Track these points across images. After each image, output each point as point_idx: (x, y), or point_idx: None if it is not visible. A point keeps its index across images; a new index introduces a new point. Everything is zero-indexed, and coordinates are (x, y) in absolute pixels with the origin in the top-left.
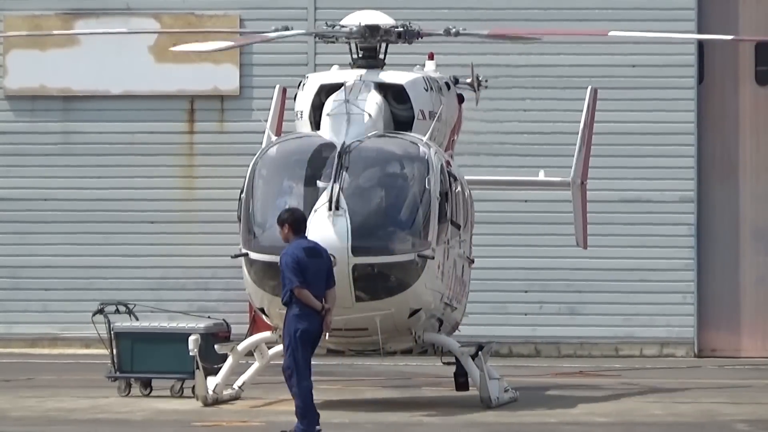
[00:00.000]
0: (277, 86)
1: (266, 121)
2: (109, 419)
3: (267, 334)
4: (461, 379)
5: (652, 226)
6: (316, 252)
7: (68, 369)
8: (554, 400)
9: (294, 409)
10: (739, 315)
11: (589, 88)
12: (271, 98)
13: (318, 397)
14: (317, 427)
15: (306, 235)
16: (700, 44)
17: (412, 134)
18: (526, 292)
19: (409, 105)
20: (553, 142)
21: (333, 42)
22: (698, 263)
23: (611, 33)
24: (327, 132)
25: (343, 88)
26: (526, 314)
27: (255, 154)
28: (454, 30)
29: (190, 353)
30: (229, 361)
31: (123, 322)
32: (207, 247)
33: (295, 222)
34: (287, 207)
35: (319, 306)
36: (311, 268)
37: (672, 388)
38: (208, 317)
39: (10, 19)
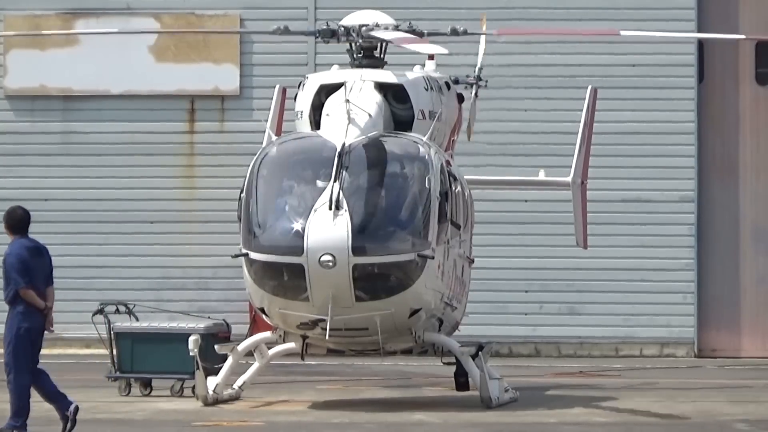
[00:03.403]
0: (277, 86)
1: (266, 121)
2: (109, 419)
3: (267, 334)
4: (461, 379)
5: (652, 226)
6: (39, 252)
7: (68, 369)
8: (554, 400)
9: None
10: (739, 315)
11: (589, 88)
12: (271, 98)
13: (318, 397)
14: (25, 423)
15: (27, 234)
16: (700, 44)
17: (412, 134)
18: (526, 292)
19: (409, 105)
20: (553, 142)
21: (330, 42)
22: (698, 263)
23: (623, 33)
24: (327, 132)
25: (343, 88)
26: (526, 314)
27: (255, 154)
28: (461, 29)
29: (191, 353)
30: (230, 361)
31: (123, 322)
32: (207, 247)
33: (15, 222)
34: (12, 206)
35: (43, 305)
36: (35, 267)
37: (672, 388)
38: (208, 317)
39: (10, 19)
